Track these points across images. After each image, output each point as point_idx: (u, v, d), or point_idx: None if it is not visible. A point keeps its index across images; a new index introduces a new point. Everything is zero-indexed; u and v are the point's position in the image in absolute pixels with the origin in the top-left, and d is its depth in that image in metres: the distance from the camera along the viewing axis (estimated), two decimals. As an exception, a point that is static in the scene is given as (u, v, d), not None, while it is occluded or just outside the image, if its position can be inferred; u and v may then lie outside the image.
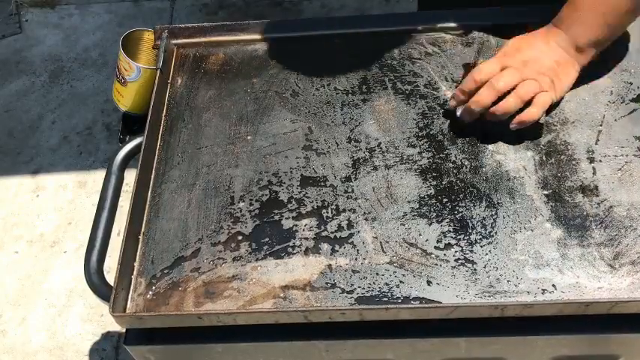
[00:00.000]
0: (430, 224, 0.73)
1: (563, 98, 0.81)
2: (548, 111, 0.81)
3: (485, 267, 0.69)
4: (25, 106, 1.97)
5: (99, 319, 1.54)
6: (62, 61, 2.08)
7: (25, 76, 2.05)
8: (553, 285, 0.68)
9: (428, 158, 0.79)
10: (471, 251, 0.71)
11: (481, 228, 0.72)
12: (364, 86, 0.87)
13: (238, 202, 0.77)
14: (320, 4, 2.17)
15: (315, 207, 0.76)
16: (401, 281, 0.69)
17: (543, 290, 0.67)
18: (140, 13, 2.20)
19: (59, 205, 1.75)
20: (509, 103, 0.76)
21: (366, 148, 0.80)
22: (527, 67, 0.77)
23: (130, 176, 0.78)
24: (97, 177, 1.79)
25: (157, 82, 0.86)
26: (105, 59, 2.07)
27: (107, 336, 1.52)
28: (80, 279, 1.60)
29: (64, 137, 1.89)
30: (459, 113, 0.79)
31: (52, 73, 2.05)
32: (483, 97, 0.76)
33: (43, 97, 1.99)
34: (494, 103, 0.77)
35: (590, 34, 0.77)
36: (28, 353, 1.50)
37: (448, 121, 0.82)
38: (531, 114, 0.76)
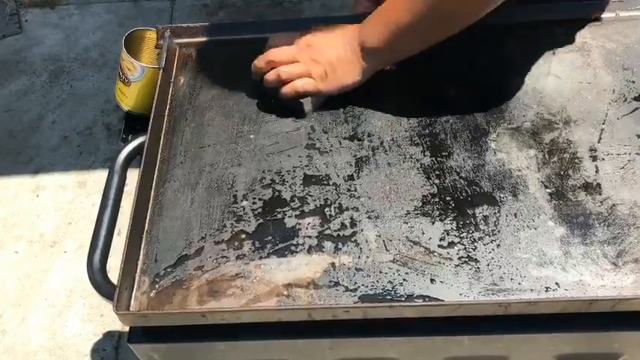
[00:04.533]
0: (433, 222, 0.73)
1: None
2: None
3: (488, 265, 0.69)
4: (25, 106, 1.97)
5: (99, 319, 1.54)
6: (62, 61, 2.08)
7: (25, 76, 2.04)
8: (556, 283, 0.68)
9: (431, 157, 0.79)
10: (474, 249, 0.71)
11: (484, 226, 0.72)
12: (366, 84, 0.87)
13: (241, 201, 0.77)
14: (320, 4, 2.17)
15: (318, 205, 0.76)
16: (404, 279, 0.69)
17: (547, 288, 0.67)
18: (140, 13, 2.19)
19: (59, 205, 1.75)
20: (268, 77, 0.82)
21: (369, 147, 0.80)
22: (306, 51, 0.81)
23: (132, 176, 0.78)
24: (97, 177, 1.78)
25: (159, 81, 0.86)
26: (105, 59, 2.06)
27: (107, 336, 1.52)
28: (80, 279, 1.59)
29: (64, 137, 1.89)
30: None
31: (52, 73, 2.05)
32: (257, 62, 0.83)
33: (43, 97, 1.99)
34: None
35: (375, 40, 0.78)
36: (28, 353, 1.50)
37: (451, 119, 0.82)
38: (284, 90, 0.82)
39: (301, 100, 0.84)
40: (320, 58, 0.80)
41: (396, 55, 0.81)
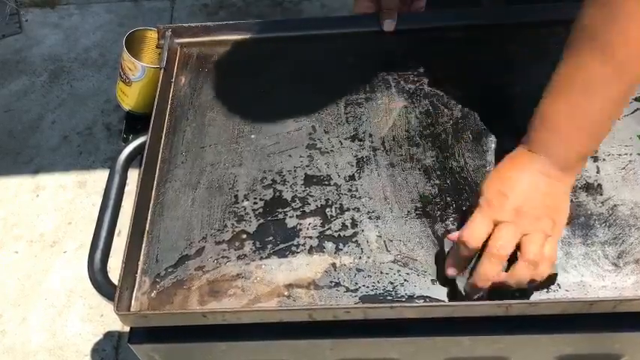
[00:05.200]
0: (434, 223, 0.73)
1: None
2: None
3: (489, 265, 0.69)
4: (25, 106, 1.97)
5: (99, 319, 1.54)
6: (62, 61, 2.08)
7: (25, 76, 2.05)
8: (557, 284, 0.68)
9: (432, 157, 0.79)
10: (476, 250, 0.70)
11: (485, 227, 0.72)
12: (368, 85, 0.87)
13: (242, 201, 0.77)
14: (320, 4, 2.17)
15: (319, 206, 0.76)
16: (405, 280, 0.69)
17: (547, 289, 0.67)
18: (140, 13, 2.20)
19: (59, 205, 1.75)
20: (521, 274, 0.63)
21: (370, 147, 0.80)
22: (522, 217, 0.64)
23: (132, 176, 0.78)
24: (97, 177, 1.79)
25: (160, 81, 0.86)
26: (105, 59, 2.07)
27: (107, 336, 1.52)
28: (80, 279, 1.59)
29: (64, 137, 1.89)
30: (462, 289, 0.67)
31: (52, 73, 2.05)
32: (488, 271, 0.63)
33: (43, 97, 1.99)
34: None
35: (573, 151, 0.67)
36: (28, 353, 1.50)
37: (452, 119, 0.82)
38: (543, 274, 0.64)
39: None
40: (537, 212, 0.65)
41: (592, 154, 0.73)
